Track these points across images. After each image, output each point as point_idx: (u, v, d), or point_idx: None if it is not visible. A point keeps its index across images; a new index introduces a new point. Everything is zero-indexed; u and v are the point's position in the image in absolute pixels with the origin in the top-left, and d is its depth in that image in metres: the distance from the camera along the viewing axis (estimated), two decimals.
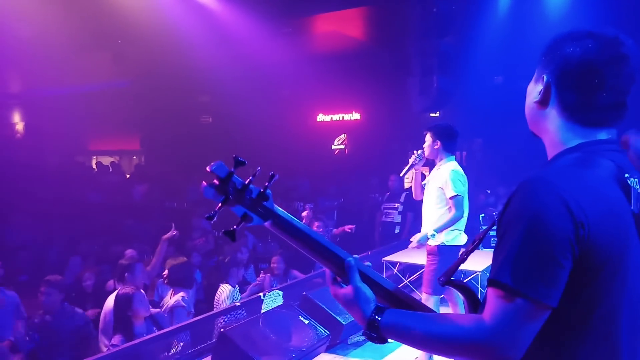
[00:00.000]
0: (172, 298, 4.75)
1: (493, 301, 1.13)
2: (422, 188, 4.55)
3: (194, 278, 5.30)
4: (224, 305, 4.92)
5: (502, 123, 10.00)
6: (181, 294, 4.76)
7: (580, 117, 1.28)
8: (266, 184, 1.23)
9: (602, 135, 1.28)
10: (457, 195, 4.15)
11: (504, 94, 10.47)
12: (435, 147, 4.28)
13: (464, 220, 4.33)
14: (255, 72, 11.82)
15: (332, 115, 14.44)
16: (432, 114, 9.94)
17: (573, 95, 1.27)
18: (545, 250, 1.10)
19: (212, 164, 1.16)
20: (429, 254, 4.34)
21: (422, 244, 4.31)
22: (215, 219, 1.19)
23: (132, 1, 8.63)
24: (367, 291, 1.31)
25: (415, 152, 4.44)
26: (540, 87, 1.32)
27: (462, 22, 8.70)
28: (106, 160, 15.82)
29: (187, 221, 8.18)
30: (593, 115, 1.27)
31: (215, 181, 1.17)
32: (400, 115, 11.26)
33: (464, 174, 4.30)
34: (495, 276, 1.14)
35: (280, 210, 1.27)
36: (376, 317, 1.26)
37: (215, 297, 5.16)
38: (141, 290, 4.30)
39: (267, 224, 1.26)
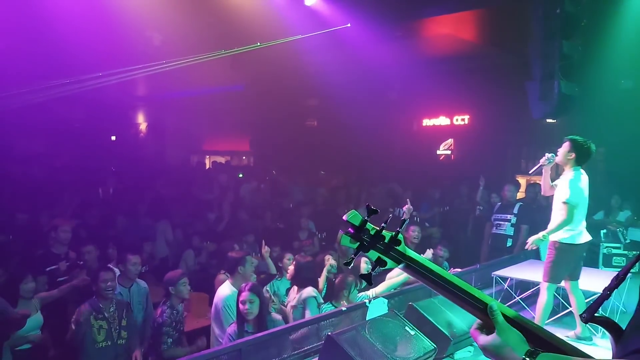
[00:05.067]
0: (304, 291, 4.88)
1: None
2: (551, 187, 5.15)
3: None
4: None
5: (629, 131, 9.17)
6: (312, 288, 4.90)
7: None
8: (398, 229, 1.28)
9: None
10: (567, 202, 4.72)
11: (632, 99, 9.59)
12: (570, 157, 4.81)
13: (582, 221, 4.91)
14: (363, 76, 11.84)
15: (440, 119, 14.08)
16: (549, 120, 9.35)
17: None
18: None
19: (348, 213, 1.25)
20: (549, 247, 4.99)
21: (537, 244, 5.01)
22: (352, 265, 1.27)
23: (248, 9, 9.05)
24: (516, 334, 1.24)
25: (547, 154, 4.96)
26: None
27: (588, 22, 8.09)
28: (217, 160, 16.69)
29: (293, 221, 8.38)
30: None
31: (351, 229, 1.25)
32: (515, 121, 10.69)
33: (585, 186, 4.85)
34: None
35: (412, 252, 1.30)
36: (530, 359, 1.18)
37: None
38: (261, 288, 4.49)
39: (400, 266, 1.29)
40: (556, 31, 7.04)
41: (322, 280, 5.47)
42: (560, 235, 4.84)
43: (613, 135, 9.64)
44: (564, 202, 4.76)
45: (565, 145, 4.87)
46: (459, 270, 5.96)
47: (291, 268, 5.08)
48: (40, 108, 9.97)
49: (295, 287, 5.12)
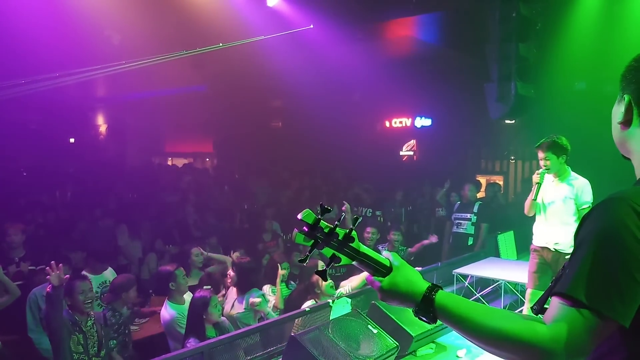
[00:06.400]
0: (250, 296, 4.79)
1: (558, 308, 1.13)
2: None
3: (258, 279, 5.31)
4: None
5: (583, 132, 9.51)
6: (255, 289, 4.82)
7: None
8: (351, 227, 1.32)
9: None
10: (591, 205, 4.44)
11: (586, 100, 9.95)
12: (563, 160, 4.57)
13: None
14: (327, 78, 11.90)
15: (402, 120, 14.30)
16: (508, 121, 9.62)
17: None
18: (619, 265, 1.08)
19: (302, 212, 1.27)
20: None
21: None
22: (307, 262, 1.31)
23: (210, 9, 8.97)
24: (415, 271, 1.36)
25: (538, 171, 4.67)
26: (622, 108, 1.31)
27: (543, 26, 8.36)
28: (180, 162, 16.47)
29: (258, 222, 8.34)
30: None
31: (305, 228, 1.27)
32: (475, 122, 10.95)
33: None
34: (565, 290, 1.13)
35: (366, 249, 1.34)
36: (431, 293, 1.27)
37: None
38: (215, 295, 4.40)
39: (355, 263, 1.34)
40: (512, 34, 7.24)
41: (278, 288, 5.41)
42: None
43: (568, 135, 9.96)
44: (590, 205, 4.42)
45: (550, 153, 4.54)
46: (420, 268, 6.05)
47: (231, 273, 4.93)
48: None
49: (233, 290, 4.98)
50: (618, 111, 1.33)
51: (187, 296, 4.90)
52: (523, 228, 5.17)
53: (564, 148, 4.54)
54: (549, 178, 4.71)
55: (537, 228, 4.87)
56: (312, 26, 9.18)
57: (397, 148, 14.45)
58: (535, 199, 4.72)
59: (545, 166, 4.58)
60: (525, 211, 4.90)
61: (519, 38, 7.32)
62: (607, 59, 8.80)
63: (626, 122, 1.31)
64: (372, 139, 14.29)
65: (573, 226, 4.51)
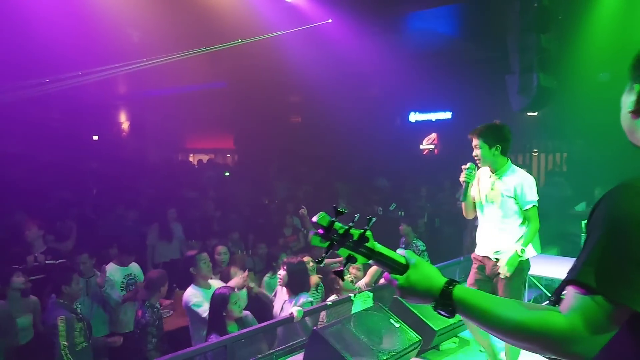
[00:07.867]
0: (300, 301, 4.76)
1: (571, 297, 1.15)
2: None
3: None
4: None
5: (606, 124, 9.32)
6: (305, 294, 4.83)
7: None
8: (365, 227, 1.34)
9: None
10: (536, 204, 3.79)
11: (610, 92, 9.75)
12: (497, 151, 3.77)
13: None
14: (345, 72, 11.87)
15: (422, 114, 14.20)
16: (530, 113, 9.49)
17: None
18: (627, 252, 1.10)
19: (316, 215, 1.30)
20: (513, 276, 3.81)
21: (510, 271, 3.72)
22: (324, 262, 1.36)
23: (229, 5, 9.02)
24: (433, 267, 1.37)
25: (464, 166, 3.87)
26: (632, 97, 1.32)
27: (565, 16, 8.22)
28: (201, 158, 16.59)
29: (278, 218, 8.38)
30: None
31: (320, 230, 1.31)
32: (497, 115, 10.79)
33: None
34: (576, 276, 1.15)
35: (381, 247, 1.37)
36: (449, 287, 1.30)
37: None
38: (236, 291, 4.41)
39: (371, 262, 1.36)
40: (533, 25, 7.14)
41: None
42: (528, 252, 3.86)
43: (591, 128, 9.80)
44: (535, 205, 3.79)
45: (481, 142, 3.77)
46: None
47: (283, 273, 4.95)
48: (19, 107, 9.83)
49: (283, 290, 5.01)
50: (628, 100, 1.35)
51: (217, 282, 4.94)
52: (547, 221, 5.06)
53: (500, 137, 3.76)
54: (486, 173, 3.92)
55: (478, 233, 4.09)
56: (330, 20, 9.16)
57: (417, 142, 14.36)
58: (465, 199, 3.95)
59: (475, 156, 3.83)
60: (464, 213, 4.14)
61: (540, 29, 7.22)
62: (632, 49, 8.53)
63: (637, 111, 1.32)
64: (392, 132, 14.23)
65: (513, 231, 3.83)
